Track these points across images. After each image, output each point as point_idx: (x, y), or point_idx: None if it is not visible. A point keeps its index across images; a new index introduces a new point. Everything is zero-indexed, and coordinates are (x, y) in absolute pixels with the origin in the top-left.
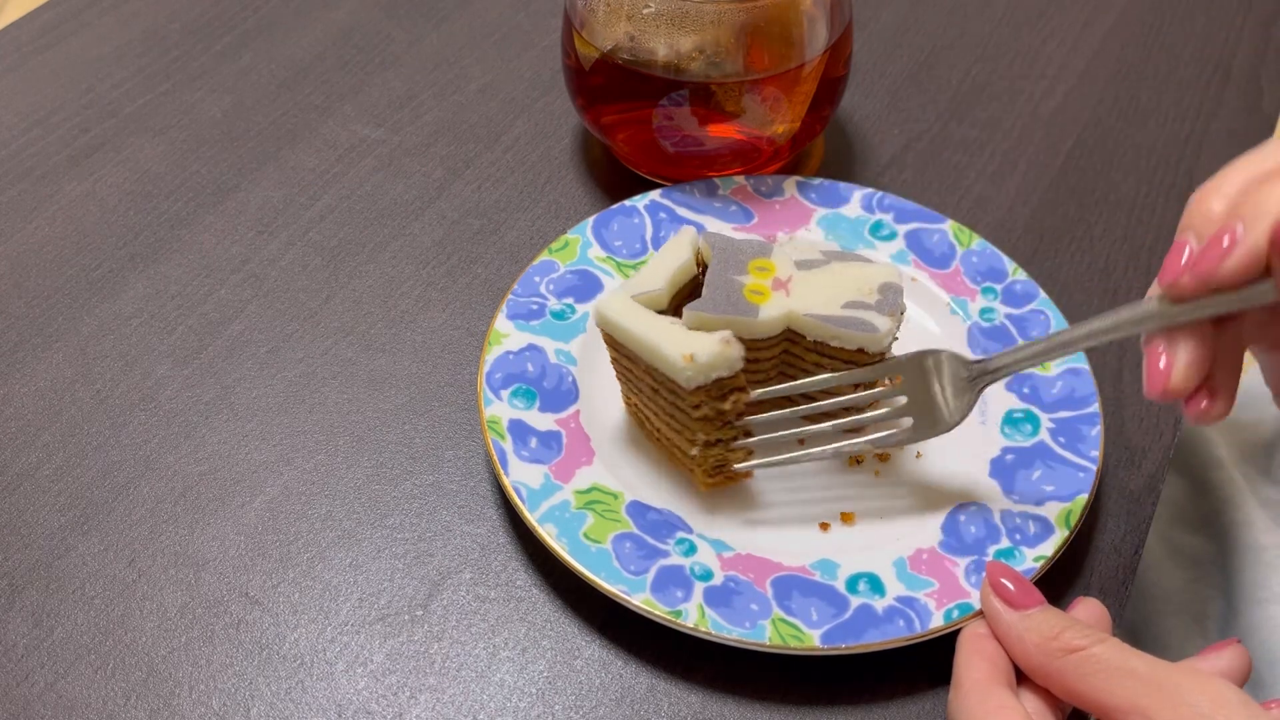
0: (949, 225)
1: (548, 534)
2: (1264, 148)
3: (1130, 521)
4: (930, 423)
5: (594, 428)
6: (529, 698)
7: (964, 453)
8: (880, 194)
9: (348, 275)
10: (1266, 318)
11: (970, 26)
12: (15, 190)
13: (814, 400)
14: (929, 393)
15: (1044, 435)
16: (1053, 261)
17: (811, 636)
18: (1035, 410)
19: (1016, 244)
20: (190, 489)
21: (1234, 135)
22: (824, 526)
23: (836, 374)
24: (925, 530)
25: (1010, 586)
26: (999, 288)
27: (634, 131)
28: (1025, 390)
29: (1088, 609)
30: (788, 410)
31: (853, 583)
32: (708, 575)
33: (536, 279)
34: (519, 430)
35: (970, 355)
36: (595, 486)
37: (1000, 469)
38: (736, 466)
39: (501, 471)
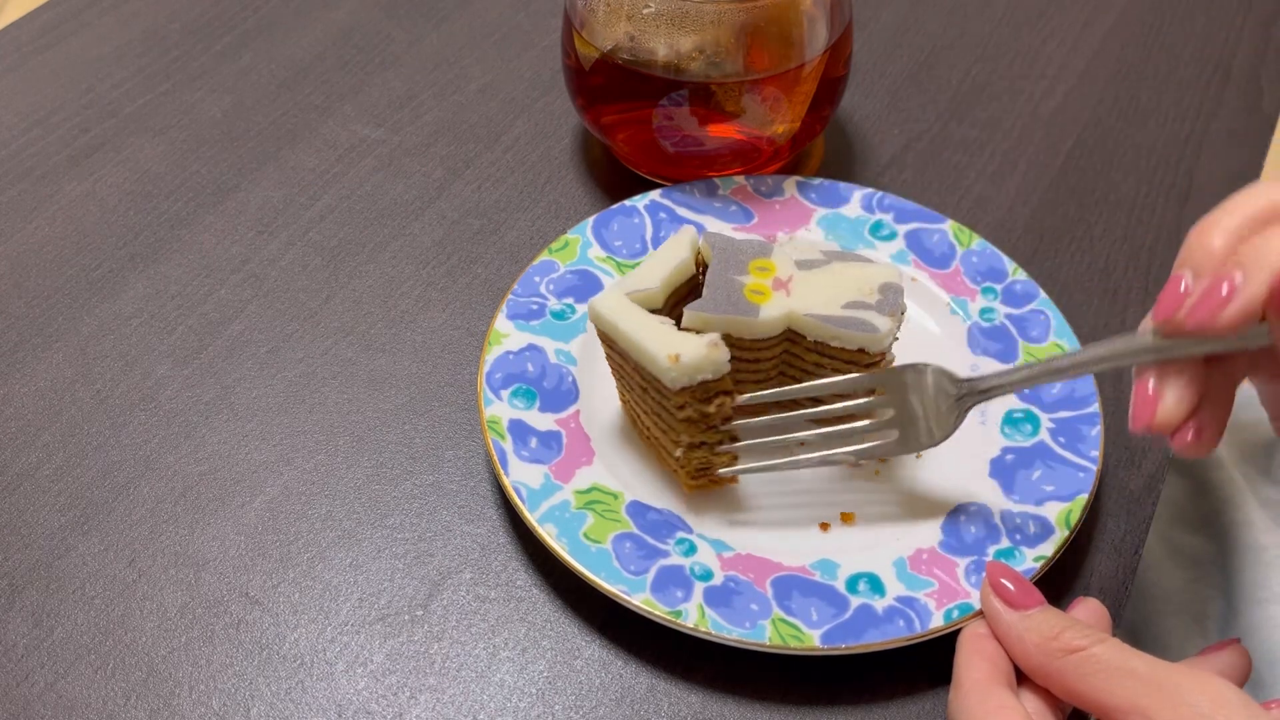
0: (949, 225)
1: (548, 534)
2: (1265, 183)
3: (1130, 521)
4: (914, 437)
5: (594, 428)
6: (529, 698)
7: (964, 453)
8: (880, 194)
9: (348, 275)
10: (1260, 353)
11: (970, 26)
12: (15, 190)
13: (802, 407)
14: (912, 408)
15: (1044, 435)
16: (1053, 261)
17: (811, 636)
18: (1035, 410)
19: (1016, 244)
20: (190, 489)
21: (1234, 135)
22: (824, 526)
23: (823, 382)
24: (925, 530)
25: (1010, 586)
26: (999, 288)
27: (634, 131)
28: (1025, 390)
29: (1088, 609)
30: (773, 416)
31: (853, 583)
32: (708, 575)
33: (536, 279)
34: (519, 430)
35: (970, 355)
36: (595, 486)
37: (1000, 469)
38: (721, 471)
39: (501, 471)
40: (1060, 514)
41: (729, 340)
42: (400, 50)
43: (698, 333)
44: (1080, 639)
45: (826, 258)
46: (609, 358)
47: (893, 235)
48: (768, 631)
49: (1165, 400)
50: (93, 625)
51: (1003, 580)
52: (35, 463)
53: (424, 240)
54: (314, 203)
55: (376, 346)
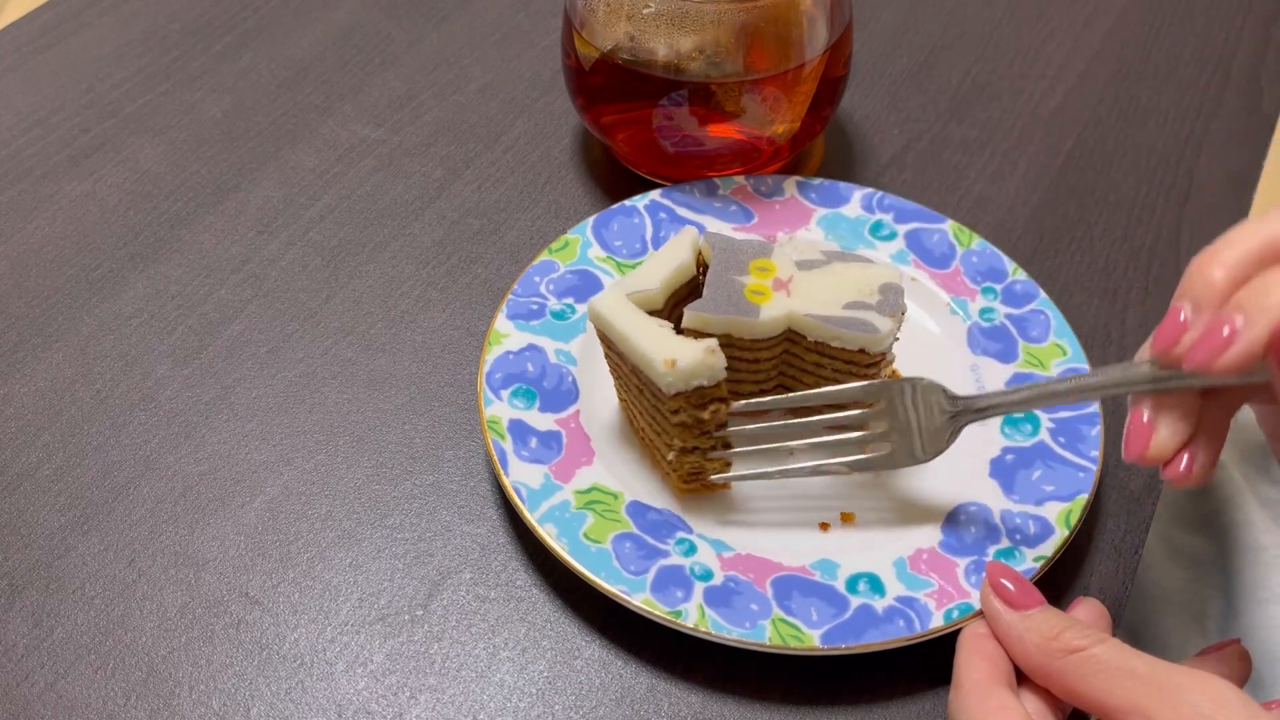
0: (949, 225)
1: (548, 534)
2: (1268, 216)
3: (1130, 521)
4: (906, 451)
5: (594, 428)
6: (529, 698)
7: (964, 453)
8: (880, 194)
9: (348, 275)
10: (1257, 384)
11: (970, 26)
12: (15, 190)
13: (797, 415)
14: (906, 423)
15: (1044, 435)
16: (1053, 261)
17: (811, 636)
18: (1035, 410)
19: (1016, 244)
20: (190, 489)
21: (1234, 135)
22: (824, 526)
23: (819, 392)
24: (925, 530)
25: (1010, 587)
26: (999, 288)
27: (634, 131)
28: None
29: (1088, 609)
30: (766, 424)
31: (853, 583)
32: (708, 575)
33: (536, 279)
34: (519, 430)
35: (970, 355)
36: (595, 486)
37: (1000, 469)
38: (713, 477)
39: (501, 471)
40: (1060, 514)
41: (729, 340)
42: (400, 50)
43: (696, 336)
44: (1080, 639)
45: (827, 258)
46: (607, 357)
47: (893, 235)
48: (768, 631)
49: (1159, 432)
50: (93, 625)
51: (1003, 580)
52: (35, 463)
53: (424, 240)
54: (314, 203)
55: (376, 346)
